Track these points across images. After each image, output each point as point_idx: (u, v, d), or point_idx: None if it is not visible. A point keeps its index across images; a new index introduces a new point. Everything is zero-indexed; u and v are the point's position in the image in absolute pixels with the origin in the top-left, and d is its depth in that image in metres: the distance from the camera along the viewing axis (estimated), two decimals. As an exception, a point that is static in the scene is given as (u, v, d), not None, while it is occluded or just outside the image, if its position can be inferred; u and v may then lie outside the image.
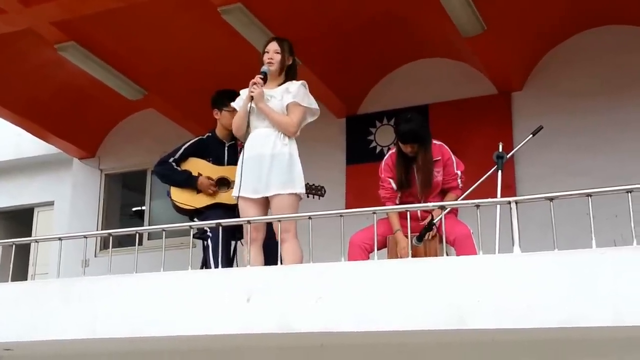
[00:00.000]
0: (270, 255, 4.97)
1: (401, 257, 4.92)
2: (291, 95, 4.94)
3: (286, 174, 4.86)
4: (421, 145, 5.23)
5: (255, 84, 4.90)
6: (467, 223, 4.99)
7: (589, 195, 3.58)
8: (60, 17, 7.01)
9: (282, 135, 4.91)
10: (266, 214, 4.92)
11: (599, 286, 3.22)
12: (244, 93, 5.10)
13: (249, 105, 4.92)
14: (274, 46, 5.05)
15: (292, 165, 4.90)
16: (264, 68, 4.99)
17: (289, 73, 5.08)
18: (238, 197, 4.89)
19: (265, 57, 5.02)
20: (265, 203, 4.91)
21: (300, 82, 5.02)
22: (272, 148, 4.87)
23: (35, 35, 7.29)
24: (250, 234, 4.55)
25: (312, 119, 5.09)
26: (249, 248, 4.48)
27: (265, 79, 4.95)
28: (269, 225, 4.92)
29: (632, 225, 3.41)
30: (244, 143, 5.04)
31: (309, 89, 5.05)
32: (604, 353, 3.47)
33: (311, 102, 5.03)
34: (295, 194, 4.89)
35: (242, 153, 5.00)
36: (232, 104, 5.24)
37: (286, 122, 4.92)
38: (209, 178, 5.77)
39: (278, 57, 5.01)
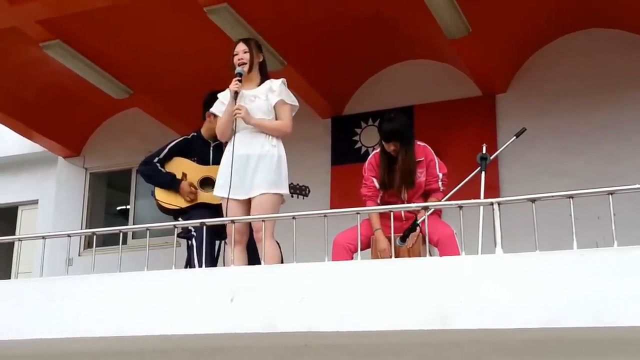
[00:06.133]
0: (253, 256, 4.99)
1: (380, 258, 4.92)
2: (276, 94, 5.00)
3: (274, 175, 4.88)
4: (403, 144, 5.24)
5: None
6: (450, 224, 5.01)
7: (570, 196, 3.60)
8: (46, 16, 6.98)
9: (270, 136, 4.95)
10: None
11: (579, 287, 3.25)
12: (222, 97, 5.12)
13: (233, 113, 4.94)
14: (241, 47, 5.10)
15: (280, 167, 4.94)
16: (238, 69, 5.03)
17: (262, 70, 5.13)
18: (226, 197, 4.85)
19: (236, 59, 5.07)
20: (249, 204, 4.91)
21: (281, 80, 5.08)
22: (261, 149, 4.90)
23: (21, 34, 7.26)
24: (234, 236, 4.55)
25: (292, 114, 5.14)
26: (233, 249, 4.48)
27: (241, 80, 4.98)
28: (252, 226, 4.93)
29: (613, 227, 3.44)
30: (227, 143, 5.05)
31: (293, 89, 5.12)
32: (584, 353, 3.50)
33: (293, 100, 5.11)
34: (280, 194, 4.92)
35: (225, 152, 5.00)
36: (213, 110, 5.24)
37: (280, 126, 4.98)
38: (191, 185, 5.76)
39: (247, 56, 5.05)
